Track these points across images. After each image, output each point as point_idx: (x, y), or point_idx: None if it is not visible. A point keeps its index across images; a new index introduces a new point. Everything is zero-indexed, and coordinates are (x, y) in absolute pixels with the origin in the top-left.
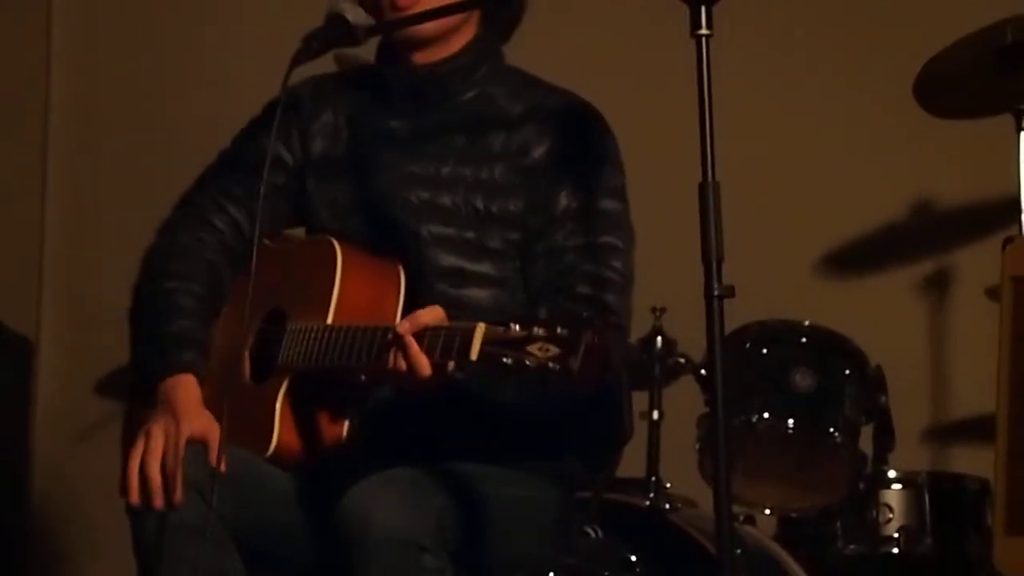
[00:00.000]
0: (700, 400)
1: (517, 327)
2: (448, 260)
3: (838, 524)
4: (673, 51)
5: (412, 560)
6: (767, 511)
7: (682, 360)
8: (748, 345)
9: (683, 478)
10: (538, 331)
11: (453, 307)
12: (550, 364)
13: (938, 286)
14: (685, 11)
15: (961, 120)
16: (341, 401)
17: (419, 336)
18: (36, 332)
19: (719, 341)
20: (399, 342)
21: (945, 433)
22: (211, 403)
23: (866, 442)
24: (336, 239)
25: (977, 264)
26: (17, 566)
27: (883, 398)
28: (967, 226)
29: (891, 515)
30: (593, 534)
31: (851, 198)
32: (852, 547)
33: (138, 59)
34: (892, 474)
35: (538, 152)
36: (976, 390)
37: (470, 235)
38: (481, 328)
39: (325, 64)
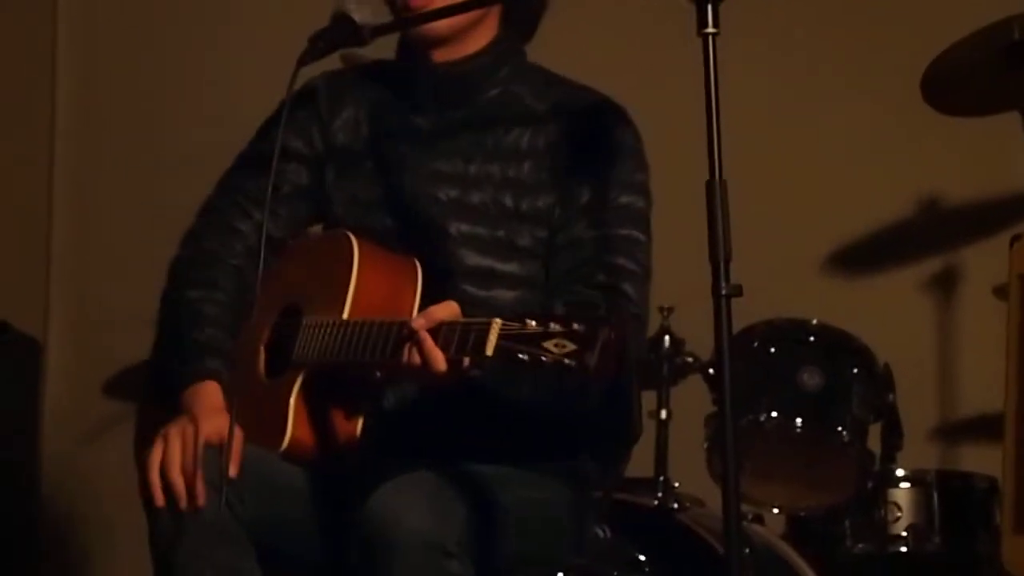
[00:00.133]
0: (708, 399)
1: (533, 323)
2: (476, 259)
3: (846, 523)
4: (680, 49)
5: (437, 564)
6: (775, 510)
7: (690, 359)
8: (756, 344)
9: (691, 477)
10: (554, 327)
11: (479, 309)
12: (566, 360)
13: (945, 284)
14: (692, 9)
15: (968, 118)
16: (356, 398)
17: (434, 332)
18: (44, 333)
19: (727, 340)
20: (413, 337)
21: (953, 431)
22: (227, 399)
23: (874, 441)
24: (353, 234)
25: (984, 262)
26: (26, 566)
27: (891, 396)
28: (974, 224)
29: (899, 514)
30: (601, 534)
31: (858, 196)
32: (860, 546)
33: (145, 61)
34: (900, 472)
35: (564, 149)
36: (984, 388)
37: (500, 233)
38: (497, 323)
39: (331, 65)
